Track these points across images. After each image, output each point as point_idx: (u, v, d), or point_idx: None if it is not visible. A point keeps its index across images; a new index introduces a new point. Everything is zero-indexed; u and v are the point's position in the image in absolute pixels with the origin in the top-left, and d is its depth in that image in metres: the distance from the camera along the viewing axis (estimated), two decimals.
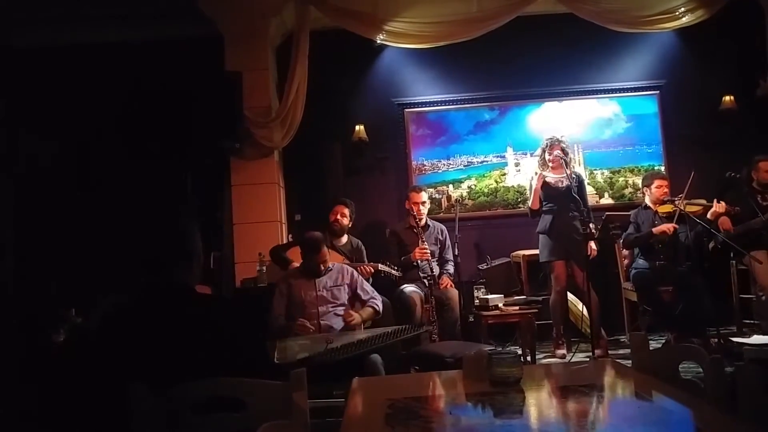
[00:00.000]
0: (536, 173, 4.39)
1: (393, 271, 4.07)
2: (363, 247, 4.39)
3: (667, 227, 4.19)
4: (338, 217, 4.31)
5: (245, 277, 4.57)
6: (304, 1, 4.65)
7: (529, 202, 4.38)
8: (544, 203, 4.35)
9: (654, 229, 4.26)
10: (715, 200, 4.25)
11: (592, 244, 4.21)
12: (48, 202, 4.85)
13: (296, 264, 3.83)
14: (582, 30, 4.96)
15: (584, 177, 5.30)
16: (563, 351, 4.30)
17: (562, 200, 4.28)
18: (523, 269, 4.76)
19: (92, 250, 4.52)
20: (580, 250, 4.17)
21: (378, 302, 3.49)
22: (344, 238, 4.36)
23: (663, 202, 4.33)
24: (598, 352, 4.01)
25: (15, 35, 4.98)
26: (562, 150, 4.34)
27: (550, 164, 4.38)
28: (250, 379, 1.49)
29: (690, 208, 4.21)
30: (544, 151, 4.43)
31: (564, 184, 4.31)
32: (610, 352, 4.33)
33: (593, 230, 4.14)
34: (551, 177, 4.37)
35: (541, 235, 4.36)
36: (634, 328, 4.51)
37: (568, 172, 4.31)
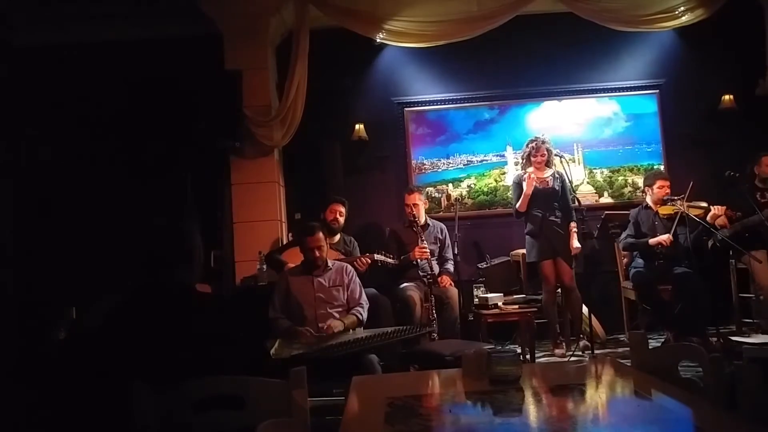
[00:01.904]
0: (525, 175, 4.39)
1: (389, 260, 4.06)
2: (356, 244, 4.40)
3: (664, 239, 4.22)
4: (337, 216, 4.30)
5: (245, 276, 4.57)
6: (303, 0, 4.65)
7: (517, 205, 4.39)
8: (530, 204, 4.36)
9: (650, 241, 4.29)
10: (712, 206, 4.24)
11: (575, 243, 4.27)
12: (48, 201, 4.85)
13: (292, 265, 3.83)
14: (581, 29, 4.96)
15: (584, 176, 5.33)
16: (562, 350, 4.31)
17: (548, 201, 4.34)
18: (523, 268, 4.76)
19: (93, 249, 4.52)
20: (567, 249, 4.27)
21: (363, 310, 3.35)
22: (337, 236, 4.36)
23: (664, 203, 4.34)
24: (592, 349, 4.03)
25: (15, 34, 4.98)
26: (548, 150, 4.38)
27: (536, 166, 4.40)
28: (250, 377, 1.49)
29: (691, 211, 4.21)
30: (529, 152, 4.44)
31: (549, 185, 4.36)
32: (609, 351, 4.35)
33: (576, 229, 4.23)
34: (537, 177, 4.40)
35: (527, 236, 4.40)
36: (634, 326, 4.52)
37: (552, 171, 4.38)
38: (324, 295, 3.33)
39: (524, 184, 4.34)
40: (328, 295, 3.34)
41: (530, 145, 4.44)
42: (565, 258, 4.29)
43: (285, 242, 4.70)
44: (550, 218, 4.31)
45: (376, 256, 4.03)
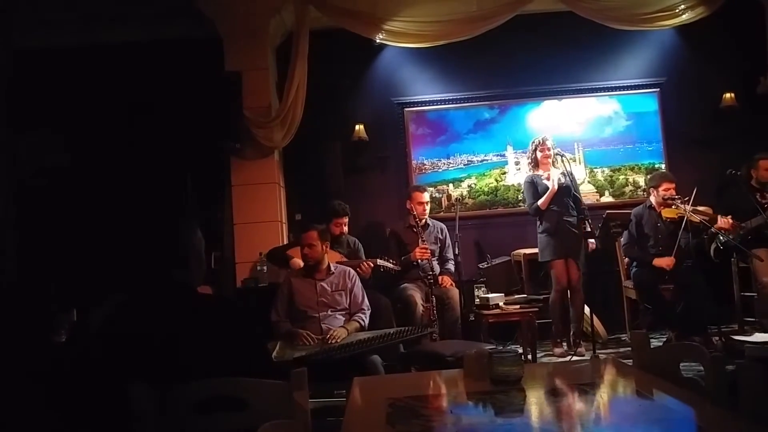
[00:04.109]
0: (544, 174, 4.41)
1: (392, 266, 4.06)
2: (360, 245, 4.40)
3: (667, 263, 4.18)
4: (343, 228, 4.32)
5: (246, 277, 4.57)
6: (303, 1, 4.65)
7: (539, 202, 4.33)
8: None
9: (654, 261, 4.26)
10: (719, 216, 4.23)
11: (591, 241, 4.29)
12: (49, 202, 4.85)
13: (296, 260, 3.84)
14: (582, 28, 4.96)
15: (584, 175, 5.33)
16: (562, 350, 4.30)
17: (563, 199, 4.34)
18: (524, 268, 4.75)
19: (94, 250, 4.52)
20: (580, 249, 4.28)
21: (365, 317, 3.38)
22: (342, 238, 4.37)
23: (668, 205, 4.32)
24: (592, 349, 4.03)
25: (16, 37, 4.98)
26: (551, 148, 4.43)
27: (544, 161, 4.42)
28: (251, 378, 1.49)
29: (695, 217, 4.20)
30: (535, 150, 4.46)
31: (563, 183, 4.35)
32: (610, 350, 4.35)
33: (591, 228, 4.23)
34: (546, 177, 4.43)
35: (542, 235, 4.38)
36: (635, 326, 4.51)
37: (561, 170, 4.38)
38: (327, 299, 3.34)
39: (545, 183, 4.35)
40: (330, 299, 3.35)
41: (535, 142, 4.47)
42: (575, 258, 4.30)
43: (285, 243, 4.70)
44: (565, 218, 4.31)
45: (379, 261, 4.02)
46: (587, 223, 4.22)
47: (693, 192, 4.23)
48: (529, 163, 4.56)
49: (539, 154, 4.42)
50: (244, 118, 4.63)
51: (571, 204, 4.36)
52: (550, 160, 4.42)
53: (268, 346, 2.92)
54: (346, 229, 4.34)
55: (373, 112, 5.32)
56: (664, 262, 4.20)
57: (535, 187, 4.41)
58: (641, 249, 4.40)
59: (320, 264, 3.40)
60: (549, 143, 4.43)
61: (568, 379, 1.87)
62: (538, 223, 4.43)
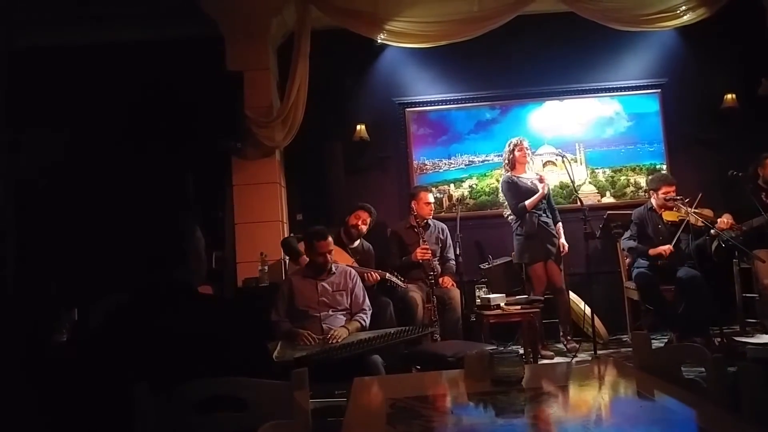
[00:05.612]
0: (538, 177, 4.47)
1: (399, 282, 4.07)
2: (373, 251, 4.38)
3: (664, 250, 4.20)
4: (359, 223, 4.27)
5: (247, 277, 4.57)
6: (305, 1, 4.65)
7: (527, 203, 4.36)
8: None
9: (651, 251, 4.28)
10: (718, 219, 4.23)
11: (564, 242, 4.44)
12: (49, 201, 4.86)
13: (305, 258, 3.83)
14: (583, 29, 4.95)
15: (586, 176, 5.33)
16: (550, 353, 4.32)
17: (540, 202, 4.42)
18: (525, 268, 4.74)
19: (94, 249, 4.52)
20: (558, 251, 4.40)
21: (366, 317, 3.38)
22: (356, 241, 4.35)
23: (669, 208, 4.31)
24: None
25: (17, 36, 4.98)
26: (529, 149, 4.55)
27: (521, 161, 4.49)
28: (252, 378, 1.49)
29: (696, 220, 4.19)
30: (512, 151, 4.51)
31: (538, 186, 4.41)
32: (612, 351, 4.34)
33: (561, 229, 4.45)
34: (524, 178, 4.48)
35: (520, 237, 4.43)
36: (637, 327, 4.51)
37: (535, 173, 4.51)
38: (327, 299, 3.34)
39: (527, 184, 4.39)
40: (331, 299, 3.35)
41: (513, 143, 4.54)
42: (555, 260, 4.37)
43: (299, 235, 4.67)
44: (542, 219, 4.38)
45: (387, 275, 4.02)
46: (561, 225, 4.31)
47: (698, 197, 4.23)
48: (506, 164, 4.59)
49: (517, 154, 4.47)
50: (246, 117, 4.63)
51: (545, 206, 4.44)
52: (528, 160, 4.51)
53: (268, 346, 2.92)
54: (363, 228, 4.30)
55: (375, 112, 5.32)
56: (661, 250, 4.22)
57: (517, 187, 4.43)
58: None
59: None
60: (526, 144, 4.52)
61: (569, 380, 1.87)
62: (516, 225, 4.46)
